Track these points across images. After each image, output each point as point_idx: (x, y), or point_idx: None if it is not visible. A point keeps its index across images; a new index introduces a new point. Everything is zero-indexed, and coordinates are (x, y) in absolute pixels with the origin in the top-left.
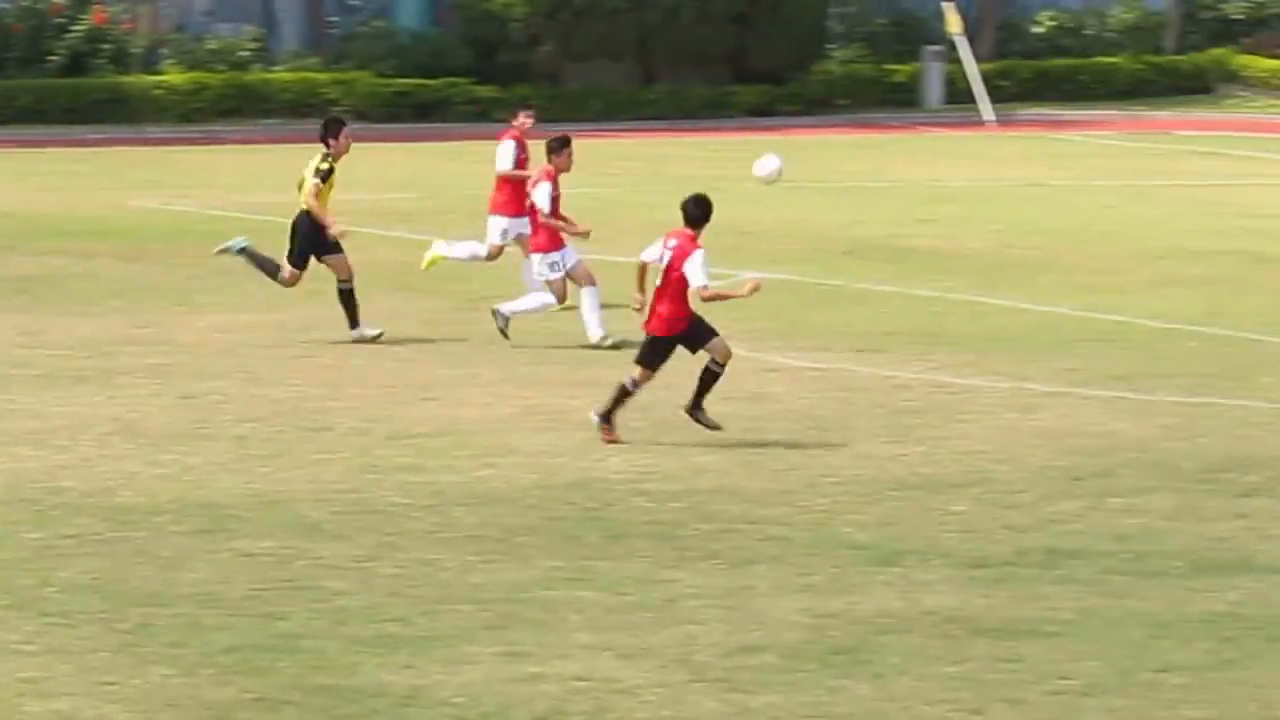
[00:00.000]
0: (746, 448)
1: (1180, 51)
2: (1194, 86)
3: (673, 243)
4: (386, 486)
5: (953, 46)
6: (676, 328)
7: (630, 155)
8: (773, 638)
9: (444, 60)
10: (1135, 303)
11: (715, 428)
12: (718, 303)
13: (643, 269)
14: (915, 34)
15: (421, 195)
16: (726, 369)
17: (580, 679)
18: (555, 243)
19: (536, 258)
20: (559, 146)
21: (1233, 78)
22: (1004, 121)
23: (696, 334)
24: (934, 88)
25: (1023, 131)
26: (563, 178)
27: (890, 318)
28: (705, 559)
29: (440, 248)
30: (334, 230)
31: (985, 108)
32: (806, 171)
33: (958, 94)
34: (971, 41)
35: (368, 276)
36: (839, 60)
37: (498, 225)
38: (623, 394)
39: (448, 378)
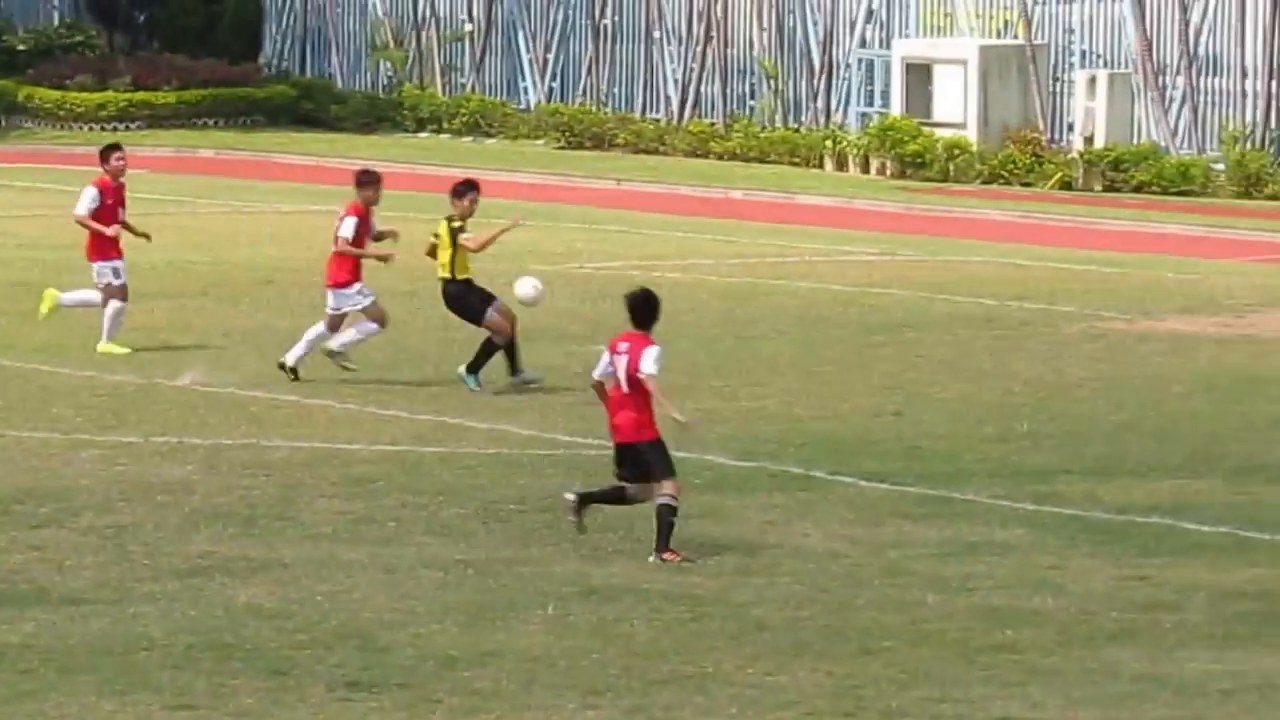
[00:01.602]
0: None
1: None
2: None
3: (624, 345)
4: None
5: None
6: (646, 433)
7: None
8: None
9: None
10: None
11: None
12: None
13: (600, 387)
14: None
15: None
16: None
17: None
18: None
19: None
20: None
21: (19, 109)
22: None
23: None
24: None
25: None
26: None
27: None
28: None
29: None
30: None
31: None
32: None
33: None
34: None
35: None
36: None
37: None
38: (618, 495)
39: None
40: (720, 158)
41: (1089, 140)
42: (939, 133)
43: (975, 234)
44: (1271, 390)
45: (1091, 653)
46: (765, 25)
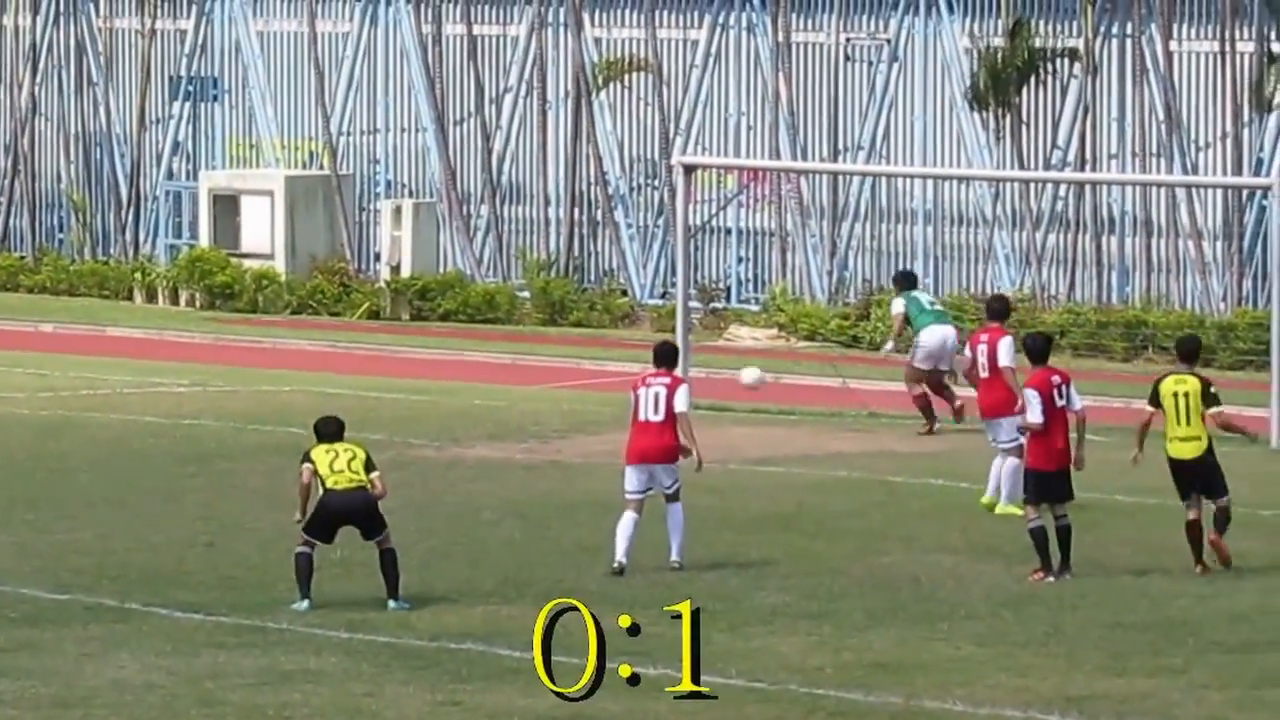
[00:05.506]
0: None
1: None
2: None
3: (1057, 378)
4: None
5: None
6: (1069, 460)
7: None
8: None
9: None
10: None
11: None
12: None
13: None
14: None
15: None
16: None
17: None
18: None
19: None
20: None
21: None
22: None
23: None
24: None
25: None
26: None
27: None
28: None
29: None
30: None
31: None
32: None
33: None
34: None
35: None
36: None
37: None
38: (1044, 538)
39: None
40: (30, 291)
41: (396, 269)
42: (247, 263)
43: (285, 364)
44: (580, 515)
45: None
46: (73, 158)
